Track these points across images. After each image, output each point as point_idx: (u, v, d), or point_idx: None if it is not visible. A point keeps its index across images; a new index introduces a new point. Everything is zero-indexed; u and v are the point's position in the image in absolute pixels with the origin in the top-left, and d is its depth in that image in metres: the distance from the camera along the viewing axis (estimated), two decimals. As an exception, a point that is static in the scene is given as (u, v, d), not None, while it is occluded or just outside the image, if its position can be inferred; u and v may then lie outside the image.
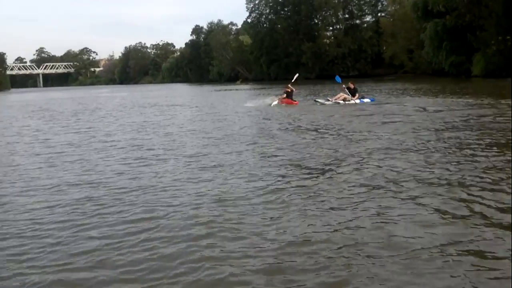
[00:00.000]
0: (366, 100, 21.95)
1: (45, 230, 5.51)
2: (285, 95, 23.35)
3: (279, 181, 7.47)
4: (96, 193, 7.14)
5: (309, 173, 7.94)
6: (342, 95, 22.05)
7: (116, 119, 20.48)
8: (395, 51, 70.89)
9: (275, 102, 22.96)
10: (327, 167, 8.31)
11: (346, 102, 21.36)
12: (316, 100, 22.02)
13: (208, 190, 7.04)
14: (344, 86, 22.88)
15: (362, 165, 8.39)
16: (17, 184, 7.93)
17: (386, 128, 13.21)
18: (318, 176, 7.68)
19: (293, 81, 24.49)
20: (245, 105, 24.32)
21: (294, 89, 23.66)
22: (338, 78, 24.62)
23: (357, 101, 21.54)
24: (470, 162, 8.21)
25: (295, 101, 23.22)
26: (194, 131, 14.91)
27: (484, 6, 46.41)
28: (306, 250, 4.67)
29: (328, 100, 21.84)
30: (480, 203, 5.89)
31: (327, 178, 7.57)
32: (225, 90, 54.76)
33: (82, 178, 8.15)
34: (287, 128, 14.45)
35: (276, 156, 9.70)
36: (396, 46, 70.44)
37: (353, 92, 22.37)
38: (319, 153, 9.81)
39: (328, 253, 4.58)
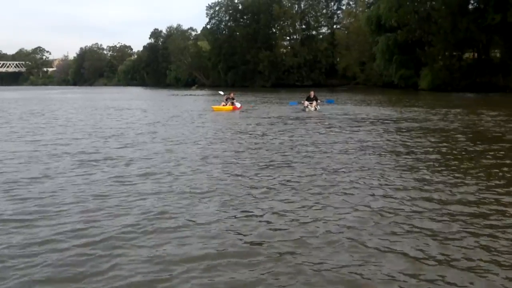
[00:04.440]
0: (318, 107, 24.43)
1: None
2: (229, 103, 25.21)
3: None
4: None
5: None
6: (313, 102, 24.02)
7: (71, 123, 19.16)
8: (349, 63, 72.47)
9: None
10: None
11: (316, 108, 23.99)
12: (305, 106, 23.77)
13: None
14: (306, 102, 24.38)
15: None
16: None
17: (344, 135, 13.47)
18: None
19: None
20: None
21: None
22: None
23: (318, 107, 24.23)
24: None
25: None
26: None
27: (433, 23, 48.22)
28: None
29: (307, 107, 23.85)
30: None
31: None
32: (180, 95, 54.55)
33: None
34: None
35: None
36: (350, 58, 72.03)
37: (313, 100, 24.33)
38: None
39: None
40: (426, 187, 7.05)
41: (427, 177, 7.72)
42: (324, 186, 7.21)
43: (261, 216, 5.81)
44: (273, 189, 7.09)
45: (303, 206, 6.18)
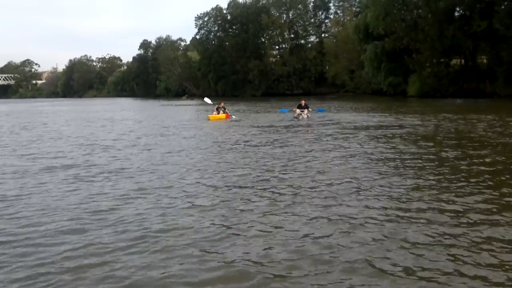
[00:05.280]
0: (309, 115, 24.82)
1: None
2: (221, 112, 25.51)
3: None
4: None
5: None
6: (305, 110, 24.57)
7: (63, 136, 19.34)
8: (337, 71, 73.08)
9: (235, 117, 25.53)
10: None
11: (308, 116, 24.47)
12: (298, 114, 24.23)
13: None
14: (297, 110, 24.80)
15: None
16: None
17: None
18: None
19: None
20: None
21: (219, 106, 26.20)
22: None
23: (309, 115, 24.69)
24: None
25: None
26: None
27: (420, 30, 48.91)
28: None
29: (300, 115, 24.32)
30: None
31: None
32: (171, 105, 54.57)
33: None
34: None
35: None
36: (338, 66, 72.65)
37: (304, 108, 24.85)
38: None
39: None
40: (419, 198, 7.13)
41: (420, 187, 7.82)
42: (318, 197, 7.30)
43: (259, 233, 5.76)
44: (268, 205, 6.97)
45: (300, 221, 6.19)
